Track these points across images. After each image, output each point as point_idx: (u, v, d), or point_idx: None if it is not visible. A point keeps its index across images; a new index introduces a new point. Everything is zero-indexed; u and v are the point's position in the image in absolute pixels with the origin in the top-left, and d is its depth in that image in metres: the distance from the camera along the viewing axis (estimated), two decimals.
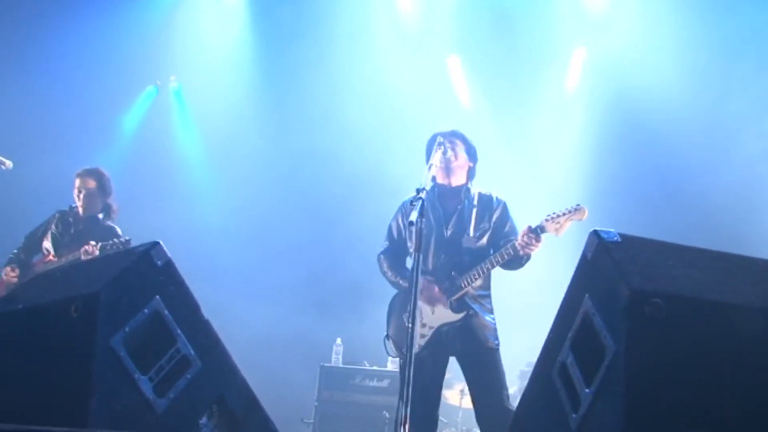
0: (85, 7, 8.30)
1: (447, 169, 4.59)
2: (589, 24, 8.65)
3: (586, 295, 2.53)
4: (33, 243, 5.75)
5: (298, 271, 8.41)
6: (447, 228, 4.59)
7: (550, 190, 7.92)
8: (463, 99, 9.15)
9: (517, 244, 4.32)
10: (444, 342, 4.46)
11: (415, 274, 3.41)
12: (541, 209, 4.38)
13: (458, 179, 4.66)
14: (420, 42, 8.91)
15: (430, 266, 4.54)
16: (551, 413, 2.64)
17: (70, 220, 5.68)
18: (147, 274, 2.76)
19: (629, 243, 2.52)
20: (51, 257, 5.59)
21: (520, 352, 6.50)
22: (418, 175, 4.08)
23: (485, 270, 4.43)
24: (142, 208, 7.28)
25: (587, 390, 2.40)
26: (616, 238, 2.52)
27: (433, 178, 4.54)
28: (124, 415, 2.57)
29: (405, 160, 6.75)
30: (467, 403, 6.25)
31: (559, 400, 2.57)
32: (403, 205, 4.77)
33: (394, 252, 4.78)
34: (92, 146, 8.19)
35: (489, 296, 4.59)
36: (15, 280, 5.55)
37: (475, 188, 4.72)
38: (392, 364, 6.73)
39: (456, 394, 7.31)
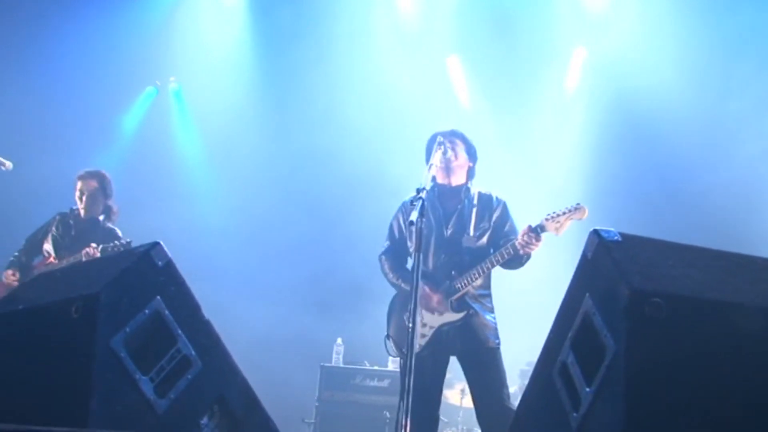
0: (85, 8, 8.31)
1: (447, 169, 4.60)
2: (589, 24, 8.65)
3: (587, 294, 2.53)
4: (33, 245, 5.75)
5: (298, 271, 8.41)
6: (447, 227, 4.59)
7: (550, 190, 7.93)
8: (463, 99, 9.15)
9: (517, 243, 4.32)
10: (444, 342, 4.46)
11: (415, 274, 3.41)
12: (541, 209, 4.38)
13: (458, 179, 4.67)
14: (420, 42, 8.92)
15: (431, 266, 4.54)
16: (552, 412, 2.64)
17: (71, 222, 5.69)
18: (147, 274, 2.76)
19: (629, 242, 2.52)
20: (52, 259, 5.59)
21: (520, 351, 6.50)
22: (418, 174, 4.08)
23: (485, 269, 4.43)
24: (142, 209, 7.29)
25: (588, 389, 2.41)
26: (616, 238, 2.52)
27: (433, 178, 4.54)
28: (125, 415, 2.58)
29: (405, 159, 6.75)
30: (468, 402, 6.26)
31: (560, 400, 2.57)
32: (403, 204, 4.77)
33: (395, 252, 4.78)
34: (92, 147, 8.20)
35: (489, 295, 4.59)
36: (16, 283, 5.55)
37: (475, 188, 4.72)
38: (393, 364, 6.73)
39: (457, 393, 7.31)
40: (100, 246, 5.28)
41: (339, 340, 7.22)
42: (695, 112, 7.84)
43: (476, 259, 4.47)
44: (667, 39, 8.03)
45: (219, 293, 6.81)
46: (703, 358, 2.25)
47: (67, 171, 6.86)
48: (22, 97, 7.91)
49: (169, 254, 2.84)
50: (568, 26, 8.66)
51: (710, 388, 2.24)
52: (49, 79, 8.23)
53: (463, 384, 6.69)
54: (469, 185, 4.69)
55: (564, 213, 4.27)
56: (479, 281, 4.48)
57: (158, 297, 2.76)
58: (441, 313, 4.46)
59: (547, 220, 4.29)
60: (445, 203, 4.64)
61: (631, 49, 8.25)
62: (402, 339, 4.31)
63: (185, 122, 9.23)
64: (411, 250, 4.67)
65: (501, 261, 4.40)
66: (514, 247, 4.33)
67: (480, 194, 4.69)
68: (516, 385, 7.30)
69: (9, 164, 5.35)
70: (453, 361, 4.59)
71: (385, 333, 4.53)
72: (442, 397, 4.64)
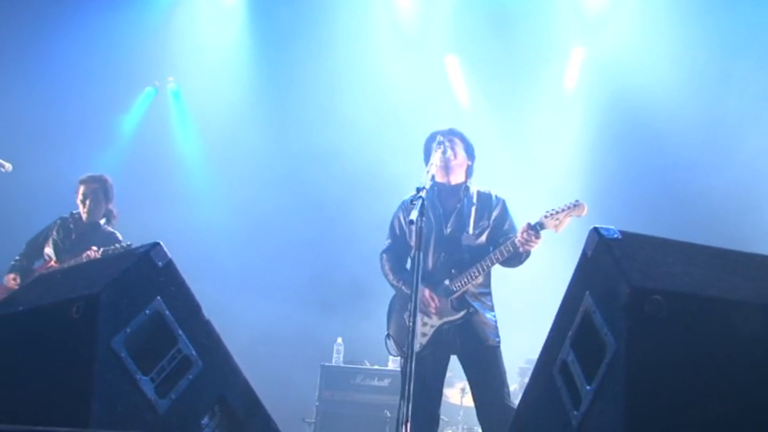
0: (84, 8, 8.31)
1: (446, 168, 4.60)
2: (588, 23, 8.65)
3: (587, 292, 2.53)
4: (34, 249, 5.78)
5: (298, 270, 8.41)
6: (446, 226, 4.59)
7: (549, 189, 7.93)
8: (462, 98, 9.16)
9: (516, 240, 4.32)
10: (445, 340, 4.47)
11: (415, 273, 3.41)
12: (540, 207, 4.38)
13: (457, 177, 4.68)
14: (418, 41, 8.91)
15: (430, 264, 4.55)
16: (552, 411, 2.64)
17: (71, 226, 5.72)
18: (148, 274, 2.77)
19: (629, 240, 2.52)
20: (53, 263, 5.61)
21: (520, 350, 6.51)
22: (417, 173, 4.09)
23: (485, 267, 4.44)
24: (142, 209, 7.29)
25: (588, 387, 2.41)
26: (616, 236, 2.52)
27: (432, 177, 4.54)
28: (126, 415, 2.58)
29: (404, 158, 6.75)
30: (468, 401, 6.26)
31: (560, 398, 2.58)
32: (403, 203, 4.77)
33: (396, 251, 4.78)
34: (91, 147, 8.21)
35: (489, 294, 4.60)
36: (17, 288, 5.56)
37: (474, 186, 4.73)
38: (393, 364, 6.73)
39: (457, 392, 7.31)
40: (101, 249, 5.31)
41: (339, 340, 7.23)
42: (694, 111, 7.84)
43: (476, 258, 4.47)
44: (665, 38, 8.03)
45: (219, 293, 6.81)
46: (703, 355, 2.25)
47: (66, 171, 6.87)
48: (21, 98, 7.91)
49: (169, 254, 2.84)
50: (567, 25, 8.66)
51: (711, 386, 2.24)
52: (48, 79, 8.23)
53: (463, 383, 6.69)
54: (468, 184, 4.70)
55: (563, 210, 4.28)
56: (479, 279, 4.48)
57: (159, 297, 2.76)
58: (440, 313, 4.46)
59: (546, 217, 4.30)
60: (444, 202, 4.65)
61: (630, 48, 8.25)
62: (402, 338, 4.31)
63: (184, 122, 9.23)
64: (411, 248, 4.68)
65: (501, 259, 4.40)
66: (513, 244, 4.33)
67: (479, 193, 4.70)
68: (516, 383, 7.30)
69: (9, 166, 5.36)
70: (453, 359, 4.60)
71: (386, 332, 4.53)
72: (443, 396, 4.64)
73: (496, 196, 4.70)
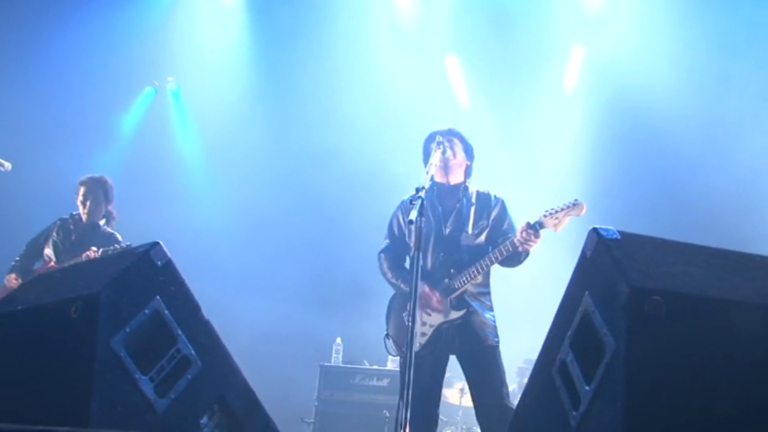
0: (83, 8, 8.31)
1: (446, 168, 4.61)
2: (587, 23, 8.66)
3: (586, 292, 2.53)
4: (34, 250, 5.80)
5: (297, 270, 8.41)
6: (446, 226, 4.59)
7: (549, 189, 7.92)
8: (462, 98, 9.16)
9: (516, 240, 4.32)
10: (444, 340, 4.46)
11: (414, 273, 3.41)
12: (540, 208, 4.38)
13: (456, 177, 4.68)
14: (418, 41, 8.92)
15: (429, 264, 4.55)
16: (551, 411, 2.64)
17: (71, 227, 5.75)
18: (147, 274, 2.77)
19: (629, 240, 2.52)
20: (53, 264, 5.63)
21: (519, 350, 6.51)
22: (417, 173, 4.09)
23: (484, 267, 4.44)
24: (141, 209, 7.29)
25: (587, 388, 2.41)
26: (615, 236, 2.52)
27: (432, 177, 4.54)
28: (126, 415, 2.58)
29: (404, 158, 6.74)
30: (467, 401, 6.26)
31: (559, 398, 2.58)
32: (402, 203, 4.77)
33: (395, 250, 4.78)
34: (91, 147, 8.21)
35: (488, 293, 4.60)
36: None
37: (473, 186, 4.73)
38: (392, 364, 6.73)
39: (456, 392, 7.31)
40: (101, 250, 5.33)
41: (338, 340, 7.23)
42: (694, 111, 7.84)
43: (475, 257, 4.47)
44: (665, 37, 8.04)
45: (218, 293, 6.81)
46: (702, 355, 2.25)
47: (65, 171, 6.88)
48: (21, 98, 7.91)
49: (169, 254, 2.84)
50: (567, 25, 8.66)
51: (710, 386, 2.24)
52: (47, 79, 8.23)
53: (462, 383, 6.69)
54: (467, 184, 4.71)
55: (562, 209, 4.28)
56: (478, 279, 4.48)
57: (158, 297, 2.76)
58: (440, 312, 4.46)
59: (545, 216, 4.30)
60: (443, 202, 4.65)
61: (630, 48, 8.26)
62: (402, 338, 4.31)
63: (184, 122, 9.23)
64: (410, 248, 4.68)
65: (500, 258, 4.40)
66: (513, 244, 4.33)
67: (478, 193, 4.70)
68: (515, 383, 7.31)
69: (8, 165, 5.37)
70: (452, 359, 4.60)
71: (385, 332, 4.53)
72: (442, 396, 4.64)
73: (495, 196, 4.70)
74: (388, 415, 6.38)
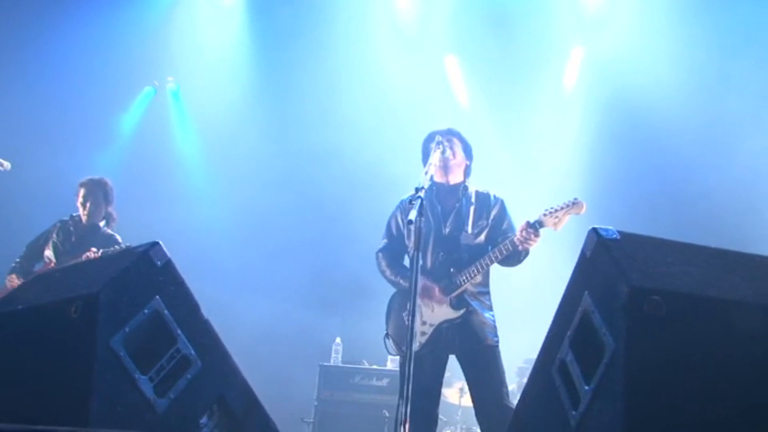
0: (83, 7, 8.30)
1: (445, 168, 4.61)
2: (587, 23, 8.65)
3: (586, 292, 2.53)
4: (34, 252, 5.81)
5: (297, 270, 8.41)
6: (445, 225, 4.59)
7: (548, 189, 7.91)
8: (461, 98, 9.16)
9: (515, 239, 4.33)
10: (444, 340, 4.46)
11: (414, 272, 3.41)
12: (540, 208, 4.38)
13: (456, 177, 4.68)
14: (417, 41, 8.92)
15: (429, 264, 4.55)
16: (551, 410, 2.64)
17: (71, 228, 5.77)
18: (147, 274, 2.77)
19: (628, 240, 2.52)
20: (53, 265, 5.63)
21: (518, 349, 6.51)
22: (417, 172, 4.09)
23: (484, 266, 4.44)
24: (141, 208, 7.29)
25: (587, 387, 2.41)
26: (615, 236, 2.52)
27: (431, 177, 4.54)
28: (125, 415, 2.58)
29: (404, 158, 6.75)
30: (467, 401, 6.26)
31: (559, 398, 2.58)
32: (401, 203, 4.77)
33: (392, 250, 4.79)
34: (90, 147, 8.21)
35: (488, 293, 4.60)
36: None
37: (473, 186, 4.73)
38: (392, 363, 6.73)
39: (455, 392, 7.31)
40: (101, 251, 5.35)
41: (338, 340, 7.23)
42: (693, 110, 7.84)
43: (475, 257, 4.47)
44: (664, 37, 8.03)
45: (218, 292, 6.81)
46: (702, 355, 2.25)
47: (65, 171, 6.88)
48: (20, 98, 7.91)
49: (168, 254, 2.84)
50: (566, 25, 8.66)
51: (709, 386, 2.24)
52: (47, 79, 8.22)
53: (462, 382, 6.69)
54: (466, 183, 4.71)
55: (562, 208, 4.29)
56: (478, 278, 4.48)
57: (157, 296, 2.76)
58: (441, 306, 4.45)
59: (545, 215, 4.30)
60: (443, 201, 4.65)
61: (629, 48, 8.26)
62: (402, 337, 4.32)
63: (183, 122, 9.22)
64: (409, 248, 4.69)
65: (500, 257, 4.40)
66: (512, 243, 4.34)
67: (477, 192, 4.70)
68: (515, 383, 7.31)
69: (7, 165, 5.37)
70: (451, 359, 4.60)
71: (385, 332, 4.53)
72: (441, 396, 4.64)
73: (494, 196, 4.70)
74: (387, 414, 6.38)
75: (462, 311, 4.44)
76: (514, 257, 4.44)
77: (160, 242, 2.84)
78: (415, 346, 3.53)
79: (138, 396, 2.64)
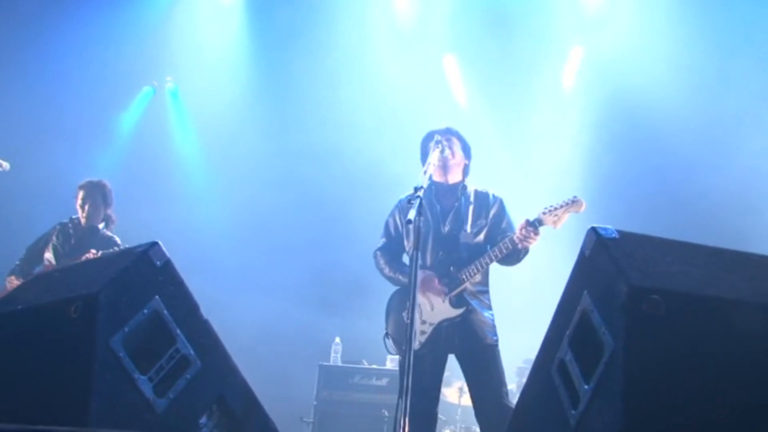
0: (82, 7, 8.30)
1: (444, 167, 4.62)
2: (586, 23, 8.65)
3: (585, 291, 2.53)
4: (34, 254, 5.83)
5: (297, 270, 8.41)
6: (444, 225, 4.60)
7: (547, 188, 7.91)
8: (460, 97, 9.16)
9: (515, 237, 4.33)
10: (443, 339, 4.46)
11: (413, 272, 3.41)
12: (538, 207, 4.38)
13: (455, 176, 4.69)
14: (416, 41, 8.92)
15: (429, 263, 4.55)
16: (550, 410, 2.64)
17: (70, 231, 5.79)
18: (146, 274, 2.77)
19: (627, 240, 2.52)
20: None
21: (518, 349, 6.50)
22: (416, 172, 4.09)
23: (483, 265, 4.44)
24: (140, 208, 7.29)
25: (586, 387, 2.41)
26: (614, 235, 2.52)
27: (430, 176, 4.55)
28: (125, 415, 2.58)
29: (404, 157, 6.75)
30: (466, 400, 6.26)
31: (558, 397, 2.58)
32: (400, 202, 4.78)
33: (391, 249, 4.79)
34: (89, 146, 8.22)
35: (487, 292, 4.60)
36: None
37: (472, 185, 4.73)
38: (391, 363, 6.73)
39: (455, 391, 7.31)
40: (100, 253, 5.36)
41: (337, 339, 7.23)
42: (693, 110, 7.84)
43: (474, 256, 4.48)
44: (664, 37, 8.04)
45: (218, 292, 6.81)
46: (701, 354, 2.25)
47: (64, 171, 6.87)
48: (20, 98, 7.91)
49: (168, 254, 2.84)
50: (565, 25, 8.66)
51: (709, 385, 2.24)
52: (46, 79, 8.23)
53: (461, 382, 6.69)
54: (465, 183, 4.71)
55: (561, 206, 4.29)
56: (477, 277, 4.49)
57: (157, 296, 2.76)
58: (441, 302, 4.45)
59: (544, 213, 4.31)
60: (442, 201, 4.66)
61: (628, 48, 8.26)
62: (401, 337, 4.33)
63: (182, 122, 9.22)
64: (408, 248, 4.69)
65: (499, 256, 4.40)
66: (512, 241, 4.34)
67: (476, 191, 4.71)
68: (514, 383, 7.31)
69: (6, 165, 5.37)
70: (451, 359, 4.60)
71: (384, 331, 4.54)
72: (441, 395, 4.64)
73: (493, 195, 4.71)
74: (387, 414, 6.39)
75: (461, 310, 4.45)
76: (513, 256, 4.44)
77: (160, 242, 2.84)
78: (415, 345, 3.53)
79: (137, 396, 2.64)
